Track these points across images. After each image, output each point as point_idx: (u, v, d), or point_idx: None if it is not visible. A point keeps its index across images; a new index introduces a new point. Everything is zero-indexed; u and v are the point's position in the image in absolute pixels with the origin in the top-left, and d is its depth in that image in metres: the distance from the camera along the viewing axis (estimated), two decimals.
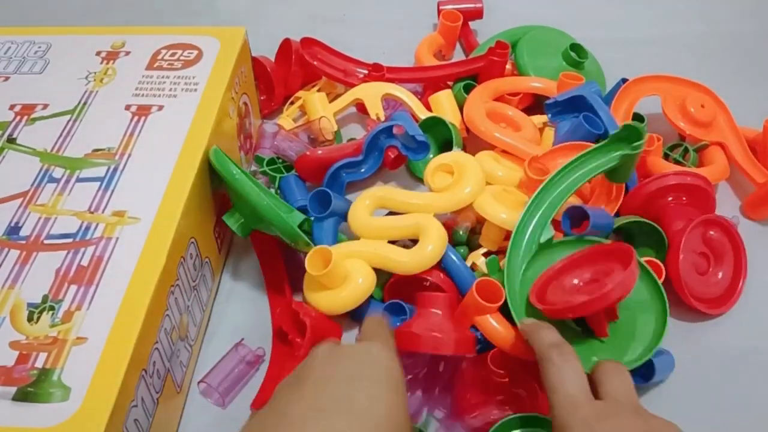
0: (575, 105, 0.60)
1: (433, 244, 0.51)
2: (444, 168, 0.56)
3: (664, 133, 0.62)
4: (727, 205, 0.62)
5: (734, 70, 0.76)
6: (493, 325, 0.48)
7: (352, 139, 0.66)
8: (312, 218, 0.56)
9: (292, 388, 0.36)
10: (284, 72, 0.70)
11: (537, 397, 0.47)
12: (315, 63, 0.69)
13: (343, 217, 0.56)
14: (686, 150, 0.63)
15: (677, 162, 0.62)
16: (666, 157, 0.63)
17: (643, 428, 0.37)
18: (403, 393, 0.37)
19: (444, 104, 0.66)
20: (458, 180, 0.54)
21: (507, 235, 0.54)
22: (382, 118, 0.66)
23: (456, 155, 0.57)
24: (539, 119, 0.65)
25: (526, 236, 0.50)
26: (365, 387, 0.35)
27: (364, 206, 0.55)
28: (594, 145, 0.52)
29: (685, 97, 0.64)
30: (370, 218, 0.55)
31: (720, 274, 0.56)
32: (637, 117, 0.63)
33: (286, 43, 0.71)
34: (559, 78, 0.64)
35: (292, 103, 0.70)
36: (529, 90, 0.68)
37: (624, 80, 0.65)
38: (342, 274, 0.51)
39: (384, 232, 0.54)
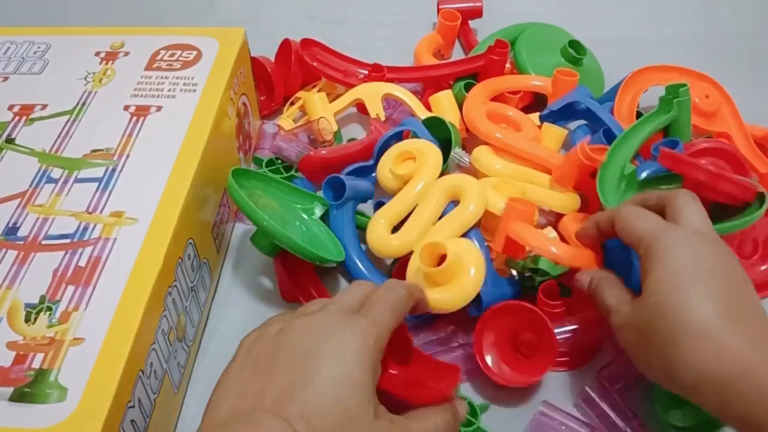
0: (570, 110, 0.61)
1: (474, 203, 0.51)
2: (405, 155, 0.56)
3: None
4: None
5: (735, 70, 0.76)
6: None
7: (352, 139, 0.66)
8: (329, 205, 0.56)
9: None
10: (284, 72, 0.70)
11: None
12: (315, 64, 0.69)
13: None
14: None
15: None
16: None
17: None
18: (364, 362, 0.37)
19: (444, 104, 0.66)
20: (420, 165, 0.55)
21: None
22: (383, 118, 0.66)
23: (412, 142, 0.58)
24: (538, 117, 0.65)
25: (615, 172, 0.53)
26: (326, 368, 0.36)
27: (382, 228, 0.53)
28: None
29: (689, 88, 0.64)
30: (400, 235, 0.53)
31: (763, 267, 0.55)
32: (638, 116, 0.64)
33: (285, 44, 0.70)
34: (554, 75, 0.64)
35: (292, 103, 0.70)
36: (529, 88, 0.68)
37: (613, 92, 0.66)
38: (455, 266, 0.48)
39: (426, 224, 0.52)
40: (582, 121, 0.63)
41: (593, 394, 0.47)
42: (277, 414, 0.34)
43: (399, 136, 0.60)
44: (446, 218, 0.52)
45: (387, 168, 0.56)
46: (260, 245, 0.54)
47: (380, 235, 0.53)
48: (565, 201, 0.56)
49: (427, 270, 0.47)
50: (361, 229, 0.56)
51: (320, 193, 0.57)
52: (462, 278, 0.48)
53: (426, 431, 0.39)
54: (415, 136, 0.59)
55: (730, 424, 0.37)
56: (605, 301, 0.44)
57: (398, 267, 0.54)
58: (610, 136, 0.57)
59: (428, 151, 0.56)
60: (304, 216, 0.56)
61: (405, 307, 0.42)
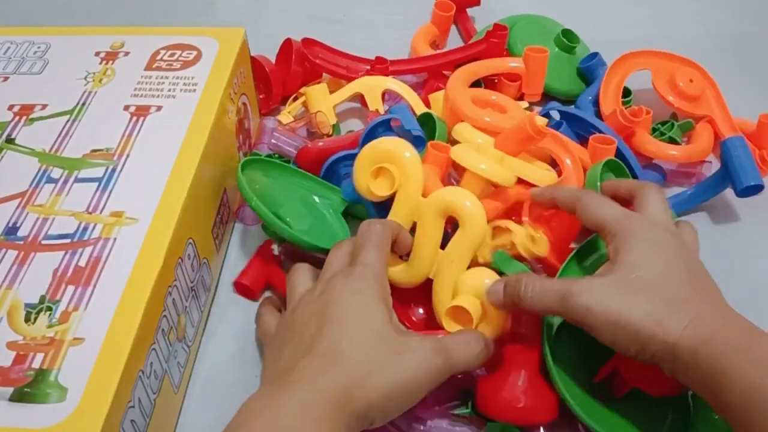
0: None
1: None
2: (381, 172, 0.51)
3: (654, 110, 0.63)
4: None
5: (734, 71, 0.76)
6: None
7: (351, 131, 0.66)
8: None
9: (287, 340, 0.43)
10: (283, 72, 0.69)
11: None
12: (317, 61, 0.69)
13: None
14: (672, 125, 0.66)
15: (662, 134, 0.65)
16: (653, 131, 0.66)
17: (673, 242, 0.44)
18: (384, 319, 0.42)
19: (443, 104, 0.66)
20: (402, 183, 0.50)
21: (485, 186, 0.53)
22: (382, 112, 0.66)
23: (386, 151, 0.50)
24: (523, 104, 0.66)
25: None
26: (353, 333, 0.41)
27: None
28: None
29: (674, 72, 0.65)
30: (412, 268, 0.50)
31: None
32: (624, 91, 0.66)
33: (287, 43, 0.70)
34: (524, 52, 0.66)
35: (295, 98, 0.70)
36: (506, 70, 0.68)
37: (595, 54, 0.69)
38: (478, 309, 0.47)
39: (433, 251, 0.49)
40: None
41: None
42: (308, 357, 0.40)
43: (386, 124, 0.60)
44: (452, 246, 0.48)
45: (365, 183, 0.51)
46: (269, 232, 0.56)
47: (391, 268, 0.50)
48: (542, 175, 0.56)
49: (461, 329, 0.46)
50: None
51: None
52: (490, 315, 0.47)
53: (460, 348, 0.43)
54: (403, 130, 0.58)
55: (692, 386, 0.39)
56: (555, 289, 0.42)
57: None
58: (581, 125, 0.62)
59: (406, 164, 0.49)
60: (319, 205, 0.57)
61: (386, 238, 0.47)
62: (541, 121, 0.56)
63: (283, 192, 0.57)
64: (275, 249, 0.57)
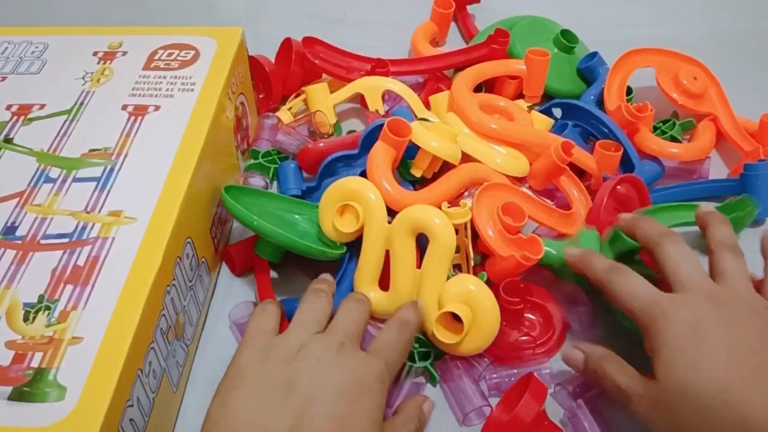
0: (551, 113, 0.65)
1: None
2: (343, 209, 0.52)
3: (655, 108, 0.63)
4: (716, 173, 0.65)
5: (734, 70, 0.76)
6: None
7: (352, 131, 0.66)
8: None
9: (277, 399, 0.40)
10: (283, 72, 0.69)
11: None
12: (317, 62, 0.69)
13: None
14: (674, 124, 0.66)
15: (663, 133, 0.66)
16: (655, 130, 0.66)
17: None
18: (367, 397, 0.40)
19: (443, 105, 0.66)
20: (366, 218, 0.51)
21: (433, 163, 0.55)
22: (382, 113, 0.66)
23: (351, 191, 0.51)
24: (522, 104, 0.67)
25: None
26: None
27: (372, 293, 0.51)
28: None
29: (678, 70, 0.66)
30: (393, 295, 0.50)
31: None
32: (626, 90, 0.66)
33: (287, 43, 0.70)
34: (526, 55, 0.66)
35: (297, 95, 0.70)
36: (514, 72, 0.68)
37: (594, 54, 0.69)
38: (471, 317, 0.47)
39: (410, 273, 0.50)
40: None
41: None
42: None
43: None
44: (427, 262, 0.49)
45: (330, 221, 0.52)
46: (264, 252, 0.55)
47: (374, 300, 0.50)
48: (491, 154, 0.57)
49: (455, 340, 0.47)
50: None
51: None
52: (480, 320, 0.47)
53: None
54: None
55: None
56: (617, 383, 0.42)
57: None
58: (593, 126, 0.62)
59: (371, 204, 0.51)
60: (301, 221, 0.56)
61: (410, 347, 0.47)
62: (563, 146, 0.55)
63: (263, 214, 0.54)
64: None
